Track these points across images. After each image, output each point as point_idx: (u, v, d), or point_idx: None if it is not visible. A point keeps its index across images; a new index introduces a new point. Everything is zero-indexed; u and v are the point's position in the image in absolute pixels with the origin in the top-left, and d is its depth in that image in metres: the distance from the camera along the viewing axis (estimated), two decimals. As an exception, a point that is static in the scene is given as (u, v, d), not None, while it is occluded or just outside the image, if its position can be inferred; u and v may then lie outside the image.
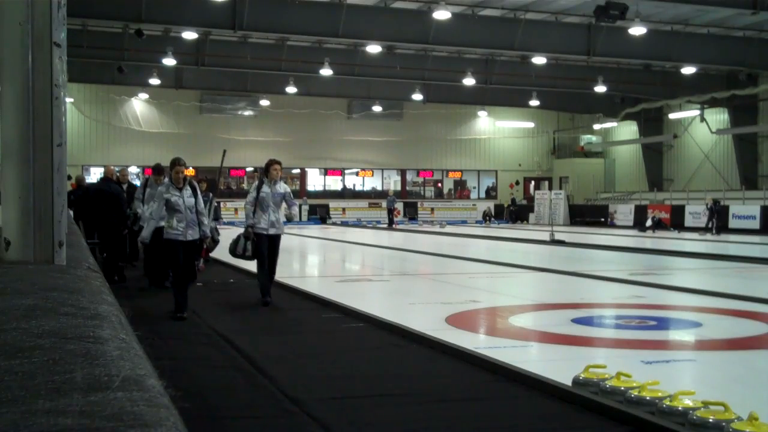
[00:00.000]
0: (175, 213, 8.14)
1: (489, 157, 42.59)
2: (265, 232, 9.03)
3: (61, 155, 3.01)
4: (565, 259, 16.60)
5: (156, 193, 8.36)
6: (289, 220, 9.68)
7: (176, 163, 8.22)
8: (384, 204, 36.53)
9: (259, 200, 9.02)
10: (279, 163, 9.32)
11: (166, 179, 8.55)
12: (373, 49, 28.53)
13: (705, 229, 27.83)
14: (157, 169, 11.13)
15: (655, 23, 26.32)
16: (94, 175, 32.66)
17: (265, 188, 9.08)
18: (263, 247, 9.02)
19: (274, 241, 9.16)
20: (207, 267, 13.05)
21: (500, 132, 42.49)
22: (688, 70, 30.53)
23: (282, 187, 9.24)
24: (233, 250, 9.17)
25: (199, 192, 8.38)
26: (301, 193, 40.19)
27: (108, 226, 11.43)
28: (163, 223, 8.62)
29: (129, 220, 11.34)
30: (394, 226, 34.06)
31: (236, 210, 34.46)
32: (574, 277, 12.73)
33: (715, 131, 34.95)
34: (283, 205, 9.36)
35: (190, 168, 13.24)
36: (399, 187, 41.39)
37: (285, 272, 14.26)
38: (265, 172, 9.26)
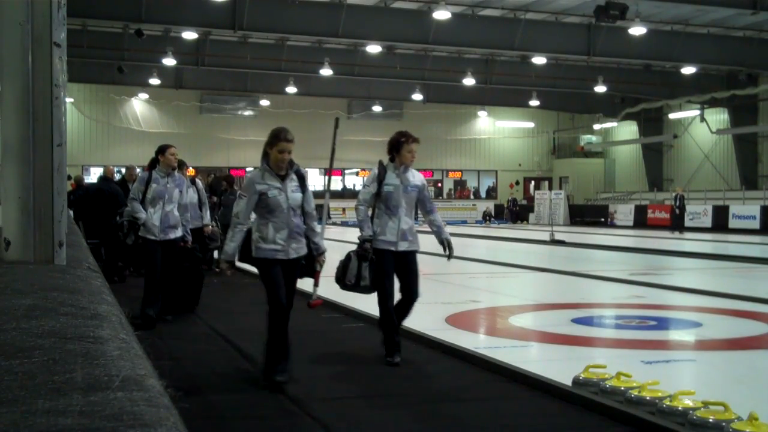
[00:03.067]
0: (273, 216, 5.17)
1: (489, 157, 42.60)
2: (392, 248, 5.89)
3: (61, 155, 3.01)
4: (565, 259, 16.60)
5: (246, 183, 5.28)
6: (442, 238, 6.14)
7: (281, 137, 5.22)
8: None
9: (382, 197, 5.95)
10: (416, 140, 6.01)
11: (265, 162, 5.28)
12: (373, 49, 28.53)
13: (673, 227, 27.63)
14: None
15: (655, 23, 26.32)
16: (94, 175, 32.65)
17: (392, 178, 5.95)
18: (389, 270, 5.90)
19: (406, 262, 5.95)
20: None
21: (500, 132, 42.49)
22: (688, 70, 30.52)
23: (417, 178, 6.09)
24: (341, 278, 6.00)
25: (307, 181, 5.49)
26: (301, 193, 40.18)
27: (107, 227, 11.39)
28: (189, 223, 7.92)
29: (123, 228, 8.18)
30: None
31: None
32: (574, 277, 12.73)
33: (715, 131, 34.94)
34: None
35: (191, 168, 12.64)
36: (399, 187, 41.35)
37: (285, 272, 14.25)
38: (394, 152, 5.98)
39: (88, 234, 11.37)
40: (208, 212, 9.52)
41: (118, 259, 11.49)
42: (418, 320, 7.78)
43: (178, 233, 7.72)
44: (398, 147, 5.96)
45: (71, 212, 11.38)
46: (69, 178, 18.92)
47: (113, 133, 36.19)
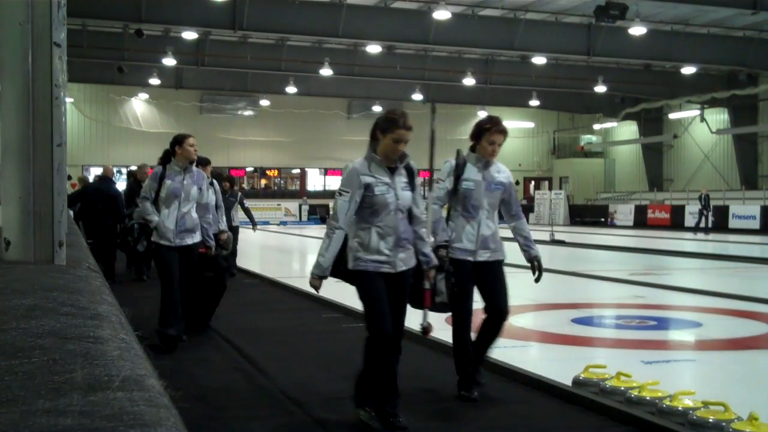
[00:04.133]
0: (377, 218, 4.19)
1: (489, 157, 42.58)
2: (469, 258, 4.87)
3: (61, 155, 3.01)
4: (565, 259, 16.59)
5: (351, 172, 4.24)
6: (531, 256, 5.04)
7: (400, 123, 4.19)
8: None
9: (459, 196, 4.93)
10: (503, 131, 4.93)
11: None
12: (373, 49, 28.53)
13: (696, 229, 27.27)
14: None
15: (655, 23, 26.32)
16: (94, 175, 32.66)
17: (472, 173, 4.93)
18: (468, 285, 4.89)
19: (489, 273, 4.94)
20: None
21: (500, 132, 42.48)
22: (688, 70, 30.52)
23: (504, 174, 5.03)
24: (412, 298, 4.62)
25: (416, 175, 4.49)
26: (301, 193, 40.21)
27: (102, 227, 11.28)
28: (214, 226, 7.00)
29: (133, 232, 6.97)
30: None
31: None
32: (574, 277, 12.73)
33: (715, 131, 34.95)
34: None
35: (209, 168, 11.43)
36: (399, 187, 41.38)
37: (285, 272, 14.28)
38: (476, 139, 4.96)
39: (89, 234, 11.34)
40: (224, 216, 8.19)
41: (111, 260, 11.37)
42: (418, 320, 7.77)
43: (197, 238, 6.62)
44: (480, 134, 4.91)
45: (71, 212, 11.34)
46: (69, 178, 18.86)
47: (113, 133, 36.19)
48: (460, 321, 4.98)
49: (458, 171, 4.94)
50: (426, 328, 4.73)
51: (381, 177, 4.20)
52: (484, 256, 4.89)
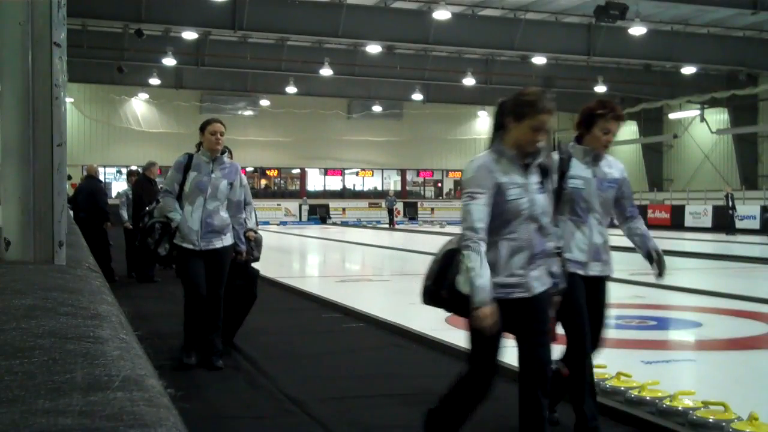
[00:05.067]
0: (508, 229, 3.35)
1: (489, 157, 42.63)
2: (580, 272, 4.00)
3: (61, 155, 3.01)
4: (565, 259, 16.58)
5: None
6: (649, 248, 4.20)
7: (539, 106, 3.41)
8: (384, 204, 36.63)
9: (565, 197, 4.02)
10: (620, 116, 4.11)
11: None
12: (373, 49, 28.54)
13: (730, 230, 26.54)
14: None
15: (655, 23, 26.34)
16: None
17: (579, 168, 4.06)
18: (581, 301, 3.99)
19: (595, 292, 4.07)
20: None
21: (500, 132, 42.52)
22: (688, 70, 30.55)
23: (617, 168, 4.21)
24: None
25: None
26: (301, 193, 40.22)
27: (87, 226, 11.10)
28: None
29: (154, 232, 5.80)
30: (393, 225, 34.12)
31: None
32: (574, 277, 12.71)
33: (715, 131, 34.97)
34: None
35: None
36: (399, 187, 41.42)
37: (285, 272, 14.28)
38: (586, 127, 4.08)
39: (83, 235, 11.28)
40: (254, 213, 6.87)
41: (108, 261, 11.21)
42: (418, 320, 7.78)
43: (227, 241, 5.67)
44: (591, 122, 4.05)
45: (71, 212, 11.32)
46: (69, 178, 18.84)
47: (113, 133, 36.21)
48: (578, 345, 4.02)
49: (563, 167, 4.01)
50: (560, 370, 4.03)
51: (514, 177, 3.34)
52: (595, 269, 4.01)
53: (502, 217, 3.30)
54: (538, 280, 3.38)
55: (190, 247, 5.53)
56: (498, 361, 3.43)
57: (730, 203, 27.15)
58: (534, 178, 3.37)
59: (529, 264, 3.34)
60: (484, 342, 3.31)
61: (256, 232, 6.42)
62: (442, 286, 3.40)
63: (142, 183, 11.76)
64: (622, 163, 4.31)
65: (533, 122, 3.32)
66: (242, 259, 5.96)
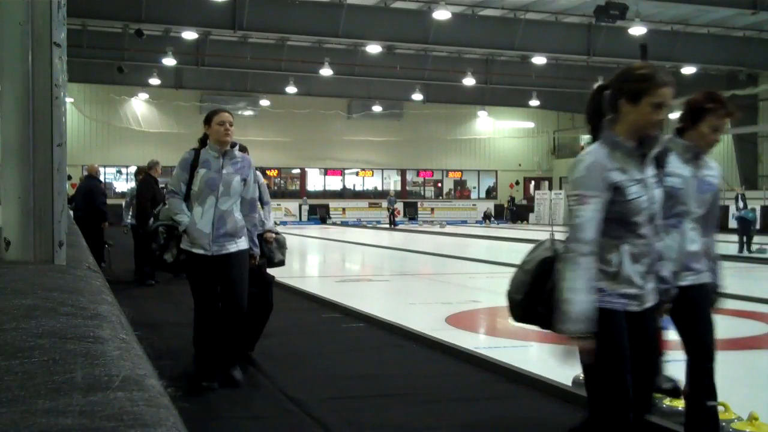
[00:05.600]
0: (628, 231, 2.93)
1: (489, 157, 42.63)
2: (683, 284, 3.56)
3: (61, 155, 3.01)
4: (565, 259, 16.58)
5: None
6: (716, 284, 3.74)
7: (658, 79, 2.92)
8: (384, 204, 36.67)
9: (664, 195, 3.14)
10: (731, 113, 3.62)
11: None
12: (373, 49, 28.55)
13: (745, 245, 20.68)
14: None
15: (655, 23, 26.34)
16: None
17: (678, 165, 3.60)
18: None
19: (694, 301, 3.64)
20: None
21: (500, 132, 42.54)
22: (688, 70, 30.54)
23: (716, 171, 3.72)
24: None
25: None
26: (301, 193, 40.23)
27: (85, 225, 11.03)
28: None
29: (159, 236, 5.35)
30: (393, 225, 34.15)
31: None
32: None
33: (715, 131, 34.96)
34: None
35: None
36: (399, 187, 41.42)
37: (285, 272, 14.27)
38: (692, 122, 3.65)
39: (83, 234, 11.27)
40: (272, 212, 6.36)
41: (99, 260, 11.13)
42: (418, 320, 7.79)
43: (242, 244, 5.08)
44: (698, 116, 3.59)
45: (71, 212, 11.30)
46: (69, 178, 18.84)
47: (113, 133, 36.20)
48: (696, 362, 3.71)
49: (662, 161, 3.40)
50: (677, 388, 3.76)
51: (632, 171, 2.88)
52: (688, 279, 3.55)
53: (623, 218, 2.87)
54: (652, 294, 2.97)
55: (201, 252, 4.96)
56: (630, 400, 2.85)
57: (741, 204, 26.34)
58: (650, 171, 2.95)
59: (649, 273, 2.94)
60: (614, 378, 2.83)
61: (277, 233, 6.01)
62: (538, 300, 3.05)
63: (147, 182, 11.62)
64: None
65: (654, 98, 2.84)
66: (255, 264, 5.38)
